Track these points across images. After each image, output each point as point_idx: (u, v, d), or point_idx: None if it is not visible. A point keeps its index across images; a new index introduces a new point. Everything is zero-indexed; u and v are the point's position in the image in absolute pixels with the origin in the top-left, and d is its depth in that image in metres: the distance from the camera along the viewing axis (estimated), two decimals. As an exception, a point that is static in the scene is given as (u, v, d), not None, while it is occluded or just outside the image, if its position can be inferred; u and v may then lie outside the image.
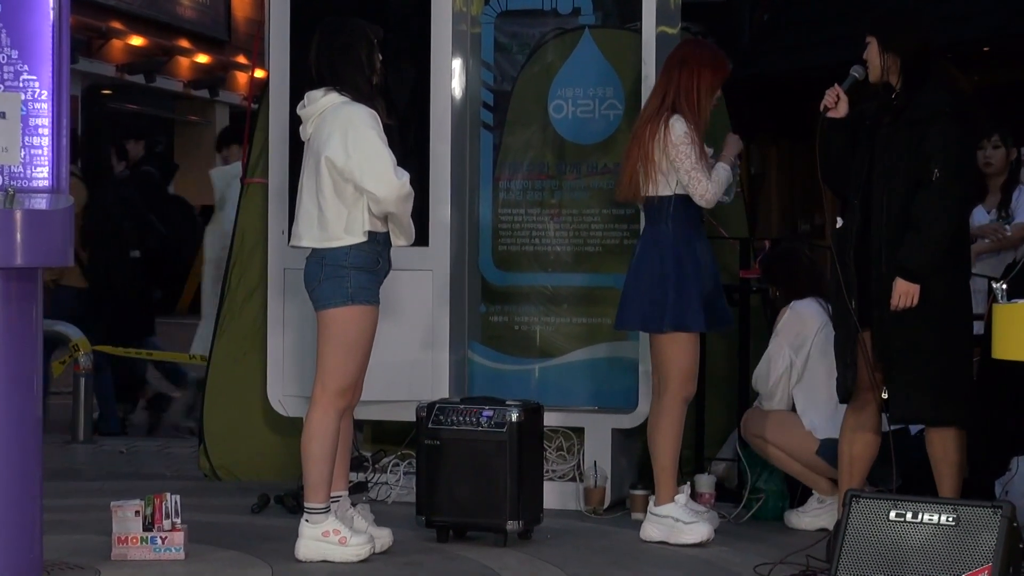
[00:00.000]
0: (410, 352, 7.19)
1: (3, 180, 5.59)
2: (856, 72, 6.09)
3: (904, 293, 5.82)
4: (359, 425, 7.32)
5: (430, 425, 6.44)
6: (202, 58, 23.64)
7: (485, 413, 6.39)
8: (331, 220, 5.99)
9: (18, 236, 5.33)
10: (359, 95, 6.05)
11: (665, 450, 6.46)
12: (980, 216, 8.12)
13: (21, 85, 5.61)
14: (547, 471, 7.06)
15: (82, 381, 9.36)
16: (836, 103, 6.04)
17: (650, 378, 6.77)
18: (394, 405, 7.13)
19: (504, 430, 6.33)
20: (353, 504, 6.31)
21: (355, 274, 5.99)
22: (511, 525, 6.32)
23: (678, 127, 6.39)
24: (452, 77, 7.32)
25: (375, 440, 7.65)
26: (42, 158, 5.63)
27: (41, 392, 5.69)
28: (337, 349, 6.03)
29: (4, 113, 5.48)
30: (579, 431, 7.27)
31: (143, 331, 10.16)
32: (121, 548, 5.99)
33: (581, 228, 7.56)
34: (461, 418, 6.41)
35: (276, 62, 7.47)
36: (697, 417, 7.28)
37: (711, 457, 7.44)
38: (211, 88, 24.17)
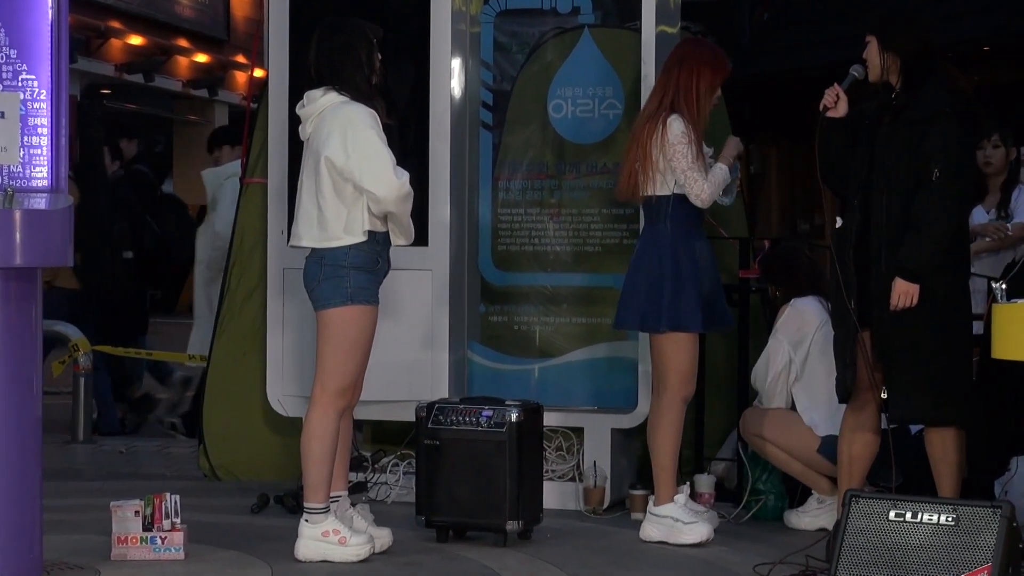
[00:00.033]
0: (410, 352, 7.19)
1: (2, 180, 5.59)
2: (856, 71, 6.08)
3: (904, 293, 5.82)
4: (359, 425, 7.31)
5: (430, 425, 6.44)
6: (201, 57, 23.64)
7: (485, 413, 6.39)
8: (331, 220, 5.99)
9: (17, 236, 5.33)
10: (358, 95, 6.04)
11: (665, 450, 6.46)
12: (980, 216, 8.12)
13: (20, 84, 5.61)
14: (547, 471, 7.06)
15: (82, 381, 9.36)
16: (836, 103, 6.04)
17: (649, 378, 6.77)
18: (394, 405, 7.13)
19: (504, 430, 6.33)
20: (353, 504, 6.30)
21: (355, 274, 5.99)
22: (511, 525, 6.32)
23: (675, 126, 6.39)
24: (451, 77, 7.32)
25: (375, 440, 7.65)
26: (41, 158, 5.63)
27: (41, 392, 5.69)
28: (337, 349, 6.02)
29: (3, 113, 5.47)
30: (579, 431, 7.27)
31: (136, 331, 10.16)
32: (121, 548, 5.99)
33: (580, 228, 7.56)
34: (461, 418, 6.40)
35: (275, 62, 7.46)
36: (697, 417, 7.28)
37: (711, 457, 7.44)
38: (210, 88, 24.17)
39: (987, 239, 8.04)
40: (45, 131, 5.62)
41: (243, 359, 7.88)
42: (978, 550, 5.17)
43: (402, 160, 6.11)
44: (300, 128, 6.19)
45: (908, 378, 5.89)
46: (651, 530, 6.48)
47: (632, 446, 7.37)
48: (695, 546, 6.37)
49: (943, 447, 5.96)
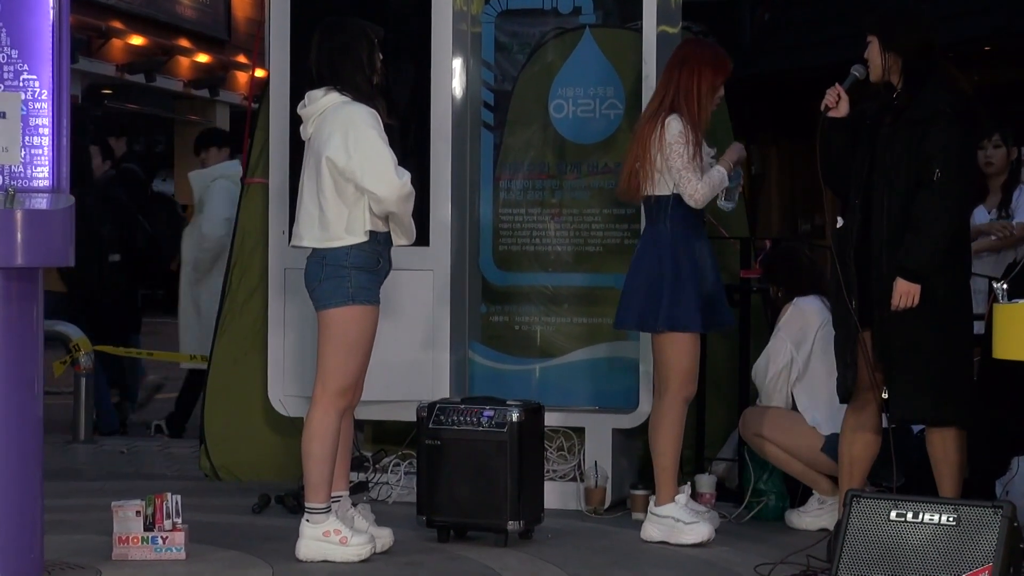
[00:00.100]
0: (411, 352, 7.19)
1: (3, 180, 5.59)
2: (857, 71, 6.08)
3: (905, 293, 5.82)
4: (360, 425, 7.32)
5: (431, 425, 6.44)
6: (202, 58, 23.63)
7: (486, 413, 6.39)
8: (332, 220, 5.99)
9: (19, 236, 5.33)
10: (359, 95, 6.04)
11: (666, 450, 6.46)
12: (981, 216, 8.12)
13: (21, 85, 5.61)
14: (548, 471, 7.06)
15: (83, 381, 9.35)
16: (837, 103, 6.04)
17: (650, 378, 6.77)
18: (395, 405, 7.13)
19: (505, 430, 6.33)
20: (354, 504, 6.30)
21: (356, 274, 5.99)
22: (512, 525, 6.32)
23: (674, 126, 6.39)
24: (452, 77, 7.32)
25: (376, 440, 7.65)
26: (42, 158, 5.63)
27: (42, 392, 5.69)
28: (338, 349, 6.02)
29: (4, 113, 5.48)
30: (580, 431, 7.26)
31: (130, 331, 10.16)
32: (122, 548, 5.99)
33: (581, 228, 7.55)
34: (462, 418, 6.40)
35: (276, 62, 7.47)
36: (698, 417, 7.28)
37: (711, 457, 7.44)
38: (211, 88, 24.17)
39: (992, 237, 8.03)
40: (46, 131, 5.62)
41: (244, 359, 7.88)
42: (979, 550, 5.17)
43: (403, 160, 6.11)
44: (301, 128, 6.19)
45: (909, 378, 5.89)
46: (652, 530, 6.48)
47: (633, 446, 7.37)
48: (696, 546, 6.37)
49: (944, 447, 5.96)
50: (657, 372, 6.53)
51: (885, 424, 6.08)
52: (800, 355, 6.82)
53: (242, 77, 24.13)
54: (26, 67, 5.60)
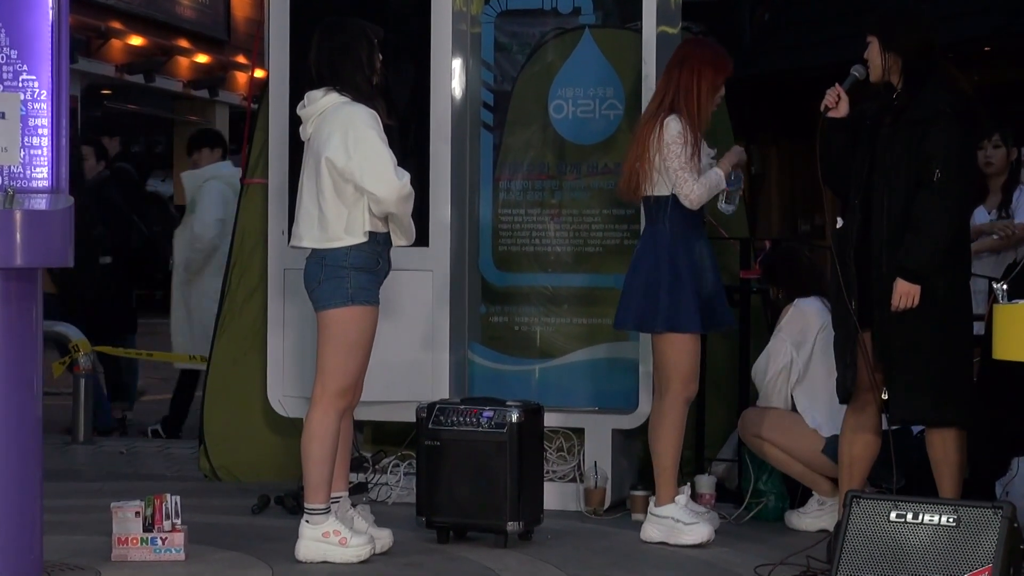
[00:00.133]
0: (410, 352, 7.18)
1: (3, 180, 5.59)
2: (857, 72, 6.08)
3: (905, 294, 5.82)
4: (359, 426, 7.31)
5: (430, 426, 6.43)
6: (202, 58, 23.63)
7: (485, 414, 6.39)
8: (331, 220, 5.99)
9: (18, 236, 5.33)
10: (359, 95, 6.04)
11: (666, 450, 6.46)
12: (981, 216, 8.11)
13: (20, 85, 5.60)
14: (547, 472, 7.06)
15: (82, 382, 9.35)
16: (837, 103, 6.03)
17: (650, 379, 6.76)
18: (394, 406, 7.13)
19: (504, 431, 6.33)
20: (353, 505, 6.30)
21: (355, 274, 5.99)
22: (511, 526, 6.31)
23: (672, 126, 6.39)
24: (452, 77, 7.31)
25: (375, 441, 7.65)
26: (42, 158, 5.62)
27: (41, 392, 5.68)
28: (337, 349, 6.02)
29: (4, 113, 5.47)
30: (579, 432, 7.26)
31: (125, 331, 10.15)
32: (121, 549, 5.99)
33: (581, 228, 7.55)
34: (461, 419, 6.40)
35: (276, 62, 7.46)
36: (697, 417, 7.27)
37: (711, 458, 7.43)
38: (211, 88, 24.16)
39: (994, 236, 8.03)
40: (46, 131, 5.62)
41: (243, 359, 7.88)
42: (979, 551, 5.17)
43: (403, 161, 6.11)
44: (301, 129, 6.18)
45: (909, 379, 5.89)
46: (652, 531, 6.48)
47: (633, 447, 7.36)
48: (696, 547, 6.37)
49: (944, 448, 5.95)
50: (657, 373, 6.53)
51: (885, 426, 6.08)
52: (800, 357, 6.82)
53: (242, 77, 24.13)
54: (25, 67, 5.60)
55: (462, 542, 6.42)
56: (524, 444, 6.37)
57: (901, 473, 6.04)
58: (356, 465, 7.00)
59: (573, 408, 7.34)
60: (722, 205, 6.61)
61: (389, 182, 5.93)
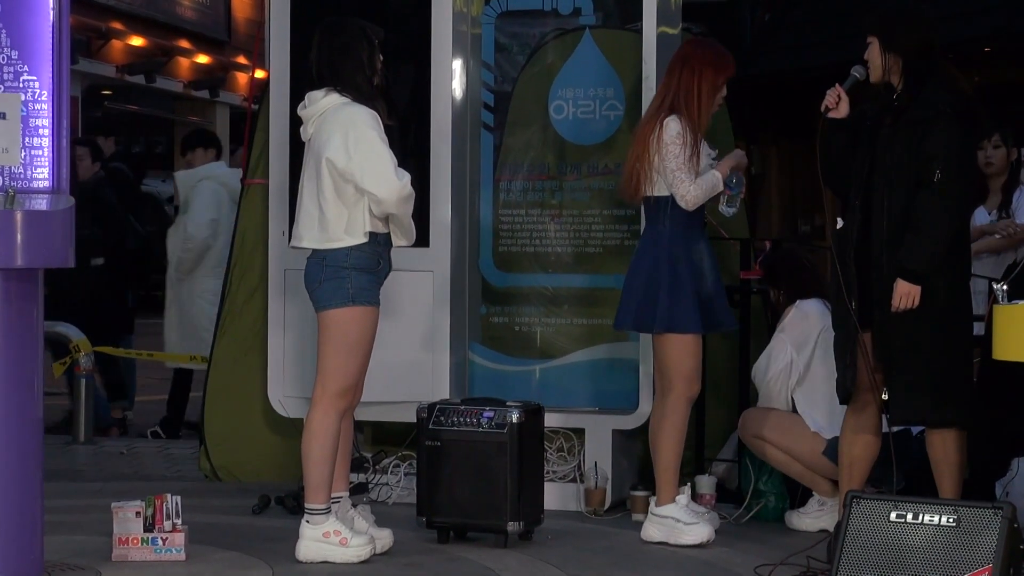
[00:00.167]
0: (410, 353, 7.18)
1: (3, 181, 5.59)
2: (857, 72, 6.08)
3: (905, 294, 5.82)
4: (360, 426, 7.31)
5: (431, 426, 6.43)
6: (202, 59, 23.65)
7: (486, 414, 6.39)
8: (332, 221, 5.99)
9: (18, 237, 5.33)
10: (360, 96, 6.04)
11: (667, 450, 6.46)
12: (982, 217, 8.10)
13: (21, 86, 5.60)
14: (548, 472, 7.06)
15: (82, 382, 9.35)
16: (837, 103, 6.03)
17: (651, 379, 6.76)
18: (395, 406, 7.13)
19: (505, 431, 6.33)
20: (354, 505, 6.30)
21: (356, 275, 5.99)
22: (512, 526, 6.32)
23: (672, 127, 6.39)
24: (452, 78, 7.31)
25: (376, 441, 7.65)
26: (42, 159, 5.63)
27: (42, 392, 5.69)
28: (338, 350, 6.02)
29: (4, 114, 5.48)
30: (580, 432, 7.26)
31: (122, 331, 10.15)
32: (122, 549, 5.99)
33: (581, 229, 7.55)
34: (462, 419, 6.40)
35: (276, 62, 7.46)
36: (697, 417, 7.27)
37: (711, 458, 7.43)
38: (211, 89, 24.18)
39: (996, 236, 8.02)
40: (46, 132, 5.62)
41: (244, 360, 7.88)
42: (979, 551, 5.17)
43: (403, 161, 6.11)
44: (301, 129, 6.19)
45: (909, 379, 5.89)
46: (652, 531, 6.48)
47: (633, 447, 7.37)
48: (696, 547, 6.37)
49: (944, 448, 5.96)
50: (659, 373, 6.53)
51: (885, 427, 6.08)
52: (801, 358, 6.82)
53: (242, 78, 24.15)
54: (26, 68, 5.60)
55: (462, 542, 6.42)
56: (524, 444, 6.37)
57: (901, 476, 6.04)
58: (356, 465, 7.00)
59: (573, 408, 7.34)
60: (723, 207, 6.60)
61: (390, 183, 5.93)
